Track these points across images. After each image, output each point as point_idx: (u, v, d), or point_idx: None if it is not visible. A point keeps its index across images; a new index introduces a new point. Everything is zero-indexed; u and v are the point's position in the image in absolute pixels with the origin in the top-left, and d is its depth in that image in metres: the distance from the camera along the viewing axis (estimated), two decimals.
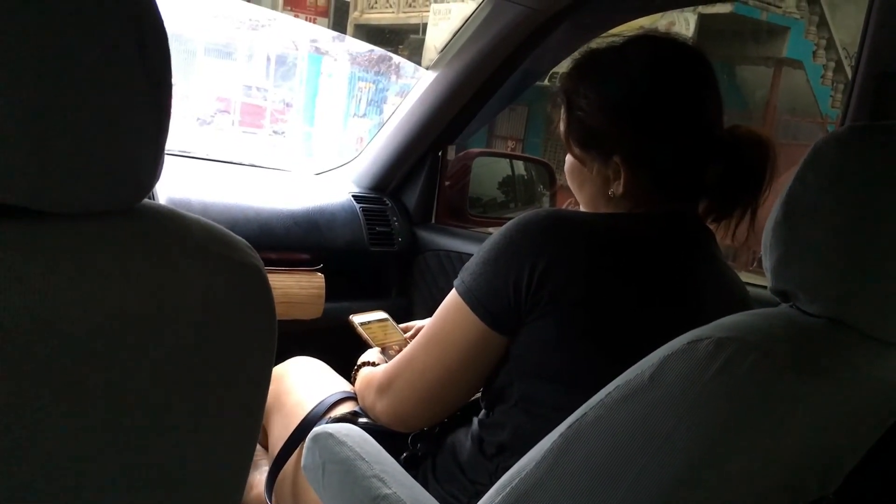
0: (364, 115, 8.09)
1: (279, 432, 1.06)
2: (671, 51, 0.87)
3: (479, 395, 0.91)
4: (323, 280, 1.57)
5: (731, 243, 0.90)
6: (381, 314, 1.21)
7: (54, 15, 0.39)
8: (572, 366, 0.78)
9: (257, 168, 1.81)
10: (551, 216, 0.82)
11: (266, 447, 1.15)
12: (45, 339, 0.40)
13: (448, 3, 10.72)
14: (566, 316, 0.77)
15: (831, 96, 9.54)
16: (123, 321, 0.43)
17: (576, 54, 0.95)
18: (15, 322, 0.39)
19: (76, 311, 0.41)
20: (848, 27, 9.09)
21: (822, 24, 9.37)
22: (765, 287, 0.67)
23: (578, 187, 0.92)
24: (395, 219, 1.79)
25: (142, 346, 0.45)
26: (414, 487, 0.80)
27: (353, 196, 1.76)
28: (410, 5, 12.64)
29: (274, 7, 12.66)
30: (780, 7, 9.14)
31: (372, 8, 13.36)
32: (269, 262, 1.32)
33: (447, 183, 1.84)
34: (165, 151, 0.47)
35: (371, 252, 1.72)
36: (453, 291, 0.85)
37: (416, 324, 1.23)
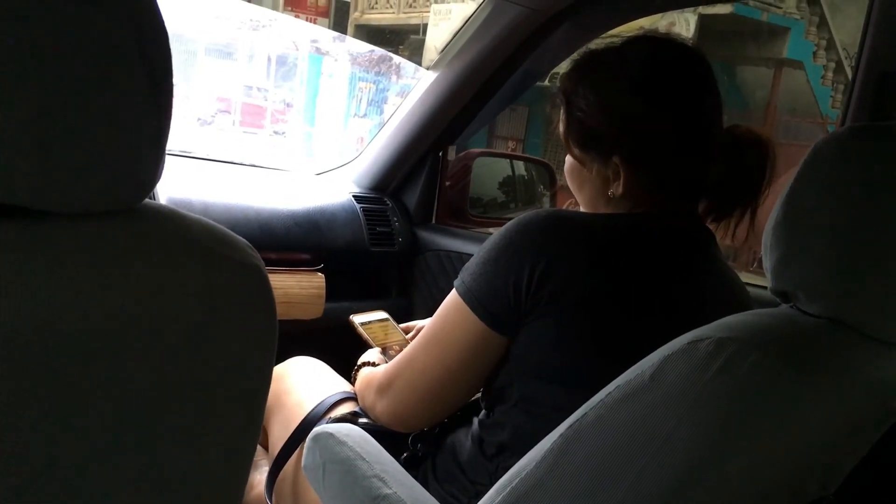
0: (364, 115, 8.09)
1: (279, 432, 1.07)
2: (670, 51, 0.87)
3: (479, 395, 0.91)
4: (323, 280, 1.57)
5: (731, 243, 0.90)
6: (382, 314, 1.21)
7: (54, 15, 0.39)
8: (572, 366, 0.78)
9: (258, 168, 1.82)
10: (551, 216, 0.82)
11: (266, 447, 1.15)
12: (45, 339, 0.40)
13: (448, 3, 10.72)
14: (566, 316, 0.77)
15: (831, 97, 9.53)
16: (124, 321, 0.43)
17: (575, 55, 0.95)
18: (16, 322, 0.39)
19: (77, 311, 0.41)
20: (848, 28, 9.08)
21: (823, 24, 9.36)
22: (765, 287, 0.67)
23: (578, 188, 0.92)
24: (395, 219, 1.79)
25: (142, 346, 0.45)
26: (414, 487, 0.80)
27: (353, 196, 1.76)
28: (411, 6, 12.64)
29: (275, 7, 12.67)
30: (781, 8, 9.14)
31: (372, 8, 13.36)
32: (269, 262, 1.32)
33: (448, 183, 1.84)
34: (166, 152, 0.47)
35: (371, 252, 1.72)
36: (453, 292, 0.85)
37: (417, 324, 1.23)
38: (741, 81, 9.55)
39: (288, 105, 7.55)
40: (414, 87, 1.73)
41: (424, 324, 1.14)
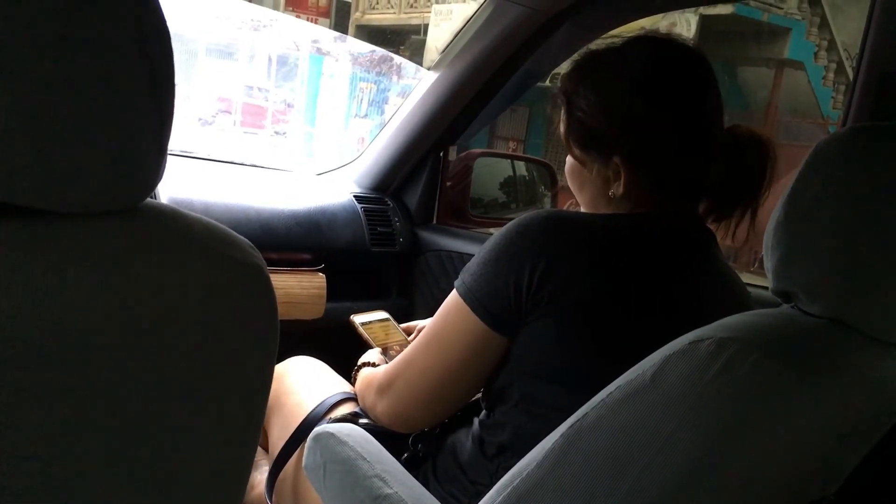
0: (365, 115, 8.10)
1: (279, 432, 1.07)
2: (671, 52, 0.87)
3: (479, 395, 0.91)
4: (324, 280, 1.57)
5: (732, 244, 0.90)
6: (383, 314, 1.21)
7: (54, 14, 0.39)
8: (573, 366, 0.78)
9: (259, 168, 1.82)
10: (551, 217, 0.82)
11: (266, 448, 1.15)
12: (46, 339, 0.40)
13: (449, 3, 10.72)
14: (566, 316, 0.77)
15: (832, 97, 9.53)
16: (124, 321, 0.43)
17: (576, 55, 0.95)
18: (16, 322, 0.39)
19: (77, 311, 0.41)
20: (849, 29, 9.08)
21: (824, 25, 9.36)
22: (766, 288, 0.67)
23: (579, 188, 0.92)
24: (396, 219, 1.79)
25: (143, 346, 0.45)
26: (415, 487, 0.80)
27: (354, 196, 1.76)
28: (412, 6, 12.64)
29: (275, 8, 12.67)
30: (782, 8, 9.14)
31: (373, 8, 13.36)
32: (270, 262, 1.30)
33: (448, 183, 1.84)
34: (168, 151, 0.47)
35: (372, 252, 1.72)
36: (454, 292, 0.85)
37: (418, 324, 1.23)
38: (742, 82, 9.55)
39: (289, 105, 7.56)
40: (415, 87, 1.73)
41: (425, 324, 1.14)
